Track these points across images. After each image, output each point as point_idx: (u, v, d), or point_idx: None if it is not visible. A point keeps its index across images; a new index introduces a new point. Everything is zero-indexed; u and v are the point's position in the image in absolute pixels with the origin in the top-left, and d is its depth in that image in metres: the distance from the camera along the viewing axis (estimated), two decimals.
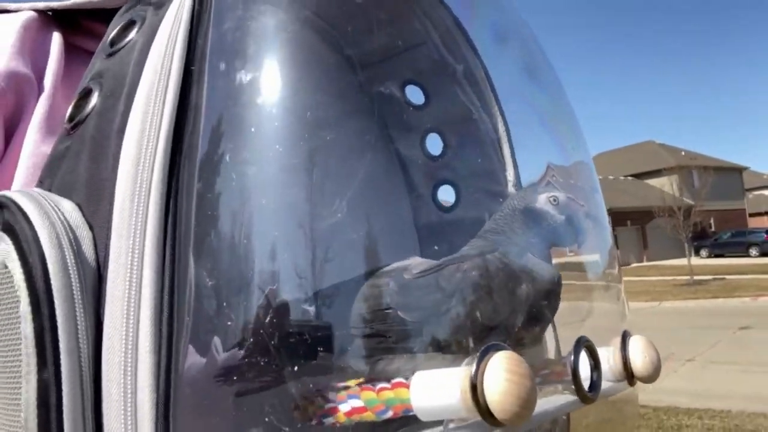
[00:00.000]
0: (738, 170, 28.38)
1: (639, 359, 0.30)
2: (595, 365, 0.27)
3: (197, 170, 0.24)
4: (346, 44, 0.34)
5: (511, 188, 0.46)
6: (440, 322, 0.27)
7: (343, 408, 0.26)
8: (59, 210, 0.24)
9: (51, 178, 0.28)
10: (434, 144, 0.47)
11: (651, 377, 0.31)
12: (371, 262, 0.29)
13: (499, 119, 0.48)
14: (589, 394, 0.26)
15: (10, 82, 0.36)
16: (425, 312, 0.27)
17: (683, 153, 26.58)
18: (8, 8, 0.43)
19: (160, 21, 0.28)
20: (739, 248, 19.47)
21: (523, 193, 0.41)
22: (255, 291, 0.23)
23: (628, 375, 0.30)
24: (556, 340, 0.34)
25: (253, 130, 0.25)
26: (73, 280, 0.22)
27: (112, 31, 0.32)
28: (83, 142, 0.27)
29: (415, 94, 0.45)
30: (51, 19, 0.43)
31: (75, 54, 0.43)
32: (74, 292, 0.21)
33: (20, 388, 0.22)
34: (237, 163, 0.25)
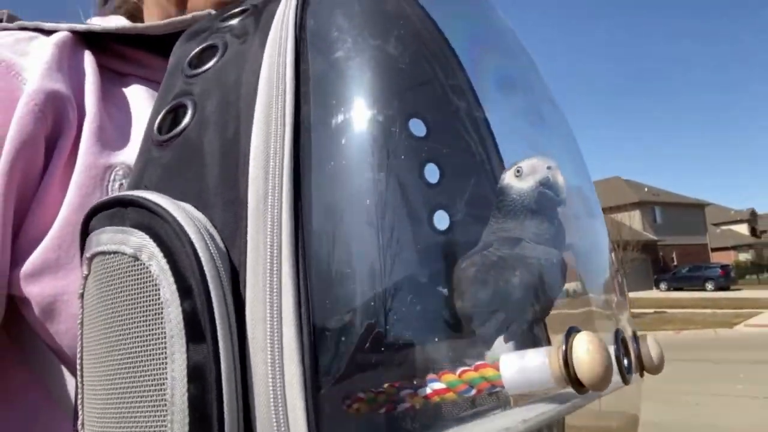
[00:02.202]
0: (700, 206, 29.60)
1: (649, 354, 0.36)
2: (627, 354, 0.32)
3: (312, 177, 0.27)
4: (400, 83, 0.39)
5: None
6: (483, 317, 0.31)
7: (422, 392, 0.29)
8: (186, 208, 0.26)
9: (150, 184, 0.30)
10: (432, 172, 0.52)
11: (658, 369, 0.36)
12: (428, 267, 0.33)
13: (494, 152, 0.53)
14: (627, 376, 0.31)
15: (49, 102, 0.37)
16: (469, 311, 0.32)
17: (646, 189, 27.72)
18: (44, 27, 0.44)
19: (254, 48, 0.31)
20: (696, 282, 20.15)
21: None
22: (366, 287, 0.26)
23: (640, 367, 0.36)
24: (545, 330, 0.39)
25: (347, 143, 0.29)
26: (219, 267, 0.24)
27: (185, 55, 0.35)
28: (187, 151, 0.30)
29: (417, 127, 0.50)
30: (81, 39, 0.45)
31: (105, 74, 0.44)
32: (222, 279, 0.24)
33: (163, 368, 0.23)
34: (341, 172, 0.28)
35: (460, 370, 0.29)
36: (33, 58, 0.40)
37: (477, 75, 0.52)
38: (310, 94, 0.29)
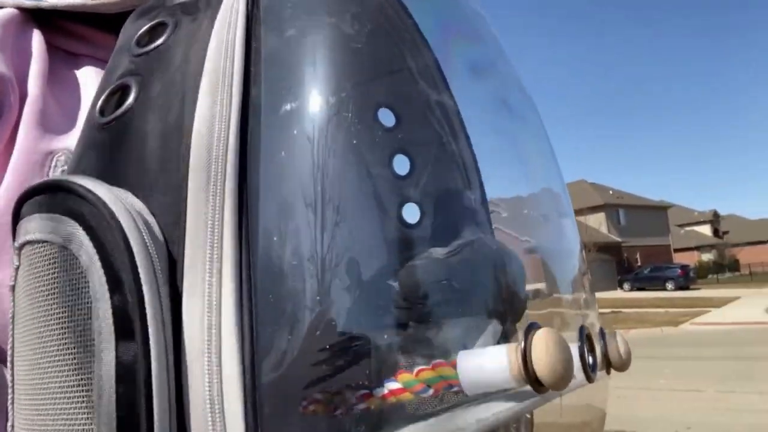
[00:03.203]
0: (663, 208, 30.61)
1: (616, 351, 0.35)
2: (591, 350, 0.31)
3: (260, 164, 0.25)
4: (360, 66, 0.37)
5: (476, 206, 0.50)
6: (442, 313, 0.30)
7: (378, 392, 0.28)
8: (119, 194, 0.24)
9: (88, 169, 0.28)
10: (402, 164, 0.50)
11: (624, 366, 0.35)
12: (384, 260, 0.32)
13: (466, 145, 0.52)
14: (591, 375, 0.30)
15: None
16: (427, 306, 0.30)
17: (611, 192, 28.39)
18: None
19: (204, 25, 0.29)
20: (658, 282, 20.88)
21: None
22: (315, 282, 0.25)
23: (606, 364, 0.35)
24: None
25: (299, 130, 0.27)
26: (153, 259, 0.22)
27: (133, 33, 0.33)
28: (128, 134, 0.28)
29: (386, 117, 0.49)
30: (30, 17, 0.42)
31: (55, 54, 0.42)
32: (156, 271, 0.22)
33: (89, 367, 0.22)
34: (292, 158, 0.27)
35: (417, 369, 0.27)
36: None
37: (447, 62, 0.50)
38: (261, 74, 0.27)
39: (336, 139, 0.27)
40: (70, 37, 0.43)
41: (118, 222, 0.22)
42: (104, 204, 0.23)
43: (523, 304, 0.35)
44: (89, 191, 0.23)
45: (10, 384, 0.27)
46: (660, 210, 30.44)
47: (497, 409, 0.24)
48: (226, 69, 0.26)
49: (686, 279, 20.90)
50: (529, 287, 0.37)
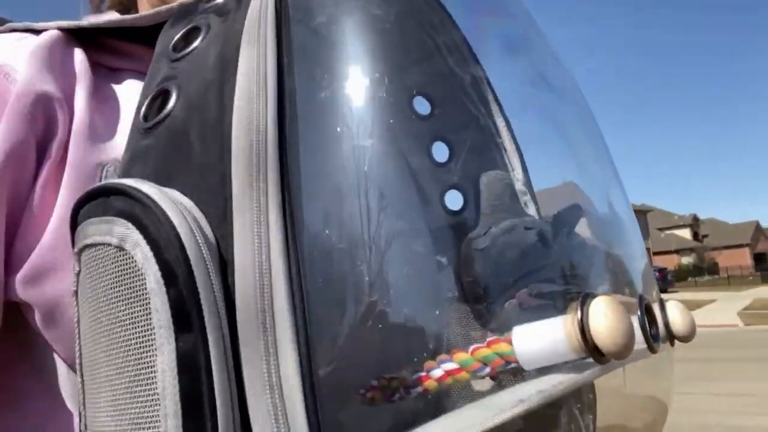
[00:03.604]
0: (643, 212, 30.62)
1: (678, 321, 0.34)
2: (652, 321, 0.30)
3: (300, 152, 0.26)
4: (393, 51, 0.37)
5: (520, 187, 0.49)
6: (493, 290, 0.29)
7: (434, 374, 0.28)
8: (169, 194, 0.25)
9: (138, 173, 0.29)
10: (440, 151, 0.50)
11: (689, 337, 0.34)
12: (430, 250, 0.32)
13: (505, 128, 0.51)
14: (654, 345, 0.29)
15: (39, 104, 0.37)
16: (478, 284, 0.30)
17: None
18: (34, 27, 0.43)
19: (236, 24, 0.30)
20: None
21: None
22: (364, 268, 0.25)
23: (670, 336, 0.34)
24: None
25: (342, 115, 0.27)
26: (204, 253, 0.23)
27: (169, 40, 0.34)
28: (171, 136, 0.28)
29: (421, 105, 0.48)
30: (72, 37, 0.44)
31: (98, 70, 0.44)
32: (207, 263, 0.23)
33: (152, 360, 0.22)
34: (332, 145, 0.27)
35: (472, 347, 0.27)
36: (22, 59, 0.39)
37: (480, 40, 0.50)
38: (294, 66, 0.27)
39: (374, 126, 0.27)
40: (111, 53, 0.45)
41: (169, 219, 0.23)
42: (154, 203, 0.24)
43: (584, 272, 0.34)
44: (139, 191, 0.24)
45: (80, 387, 0.28)
46: (640, 213, 30.52)
47: (558, 380, 0.24)
48: (259, 64, 0.27)
49: (664, 282, 20.94)
50: (588, 258, 0.36)
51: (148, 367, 0.22)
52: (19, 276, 0.34)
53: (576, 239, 0.33)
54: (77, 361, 0.28)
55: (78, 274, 0.27)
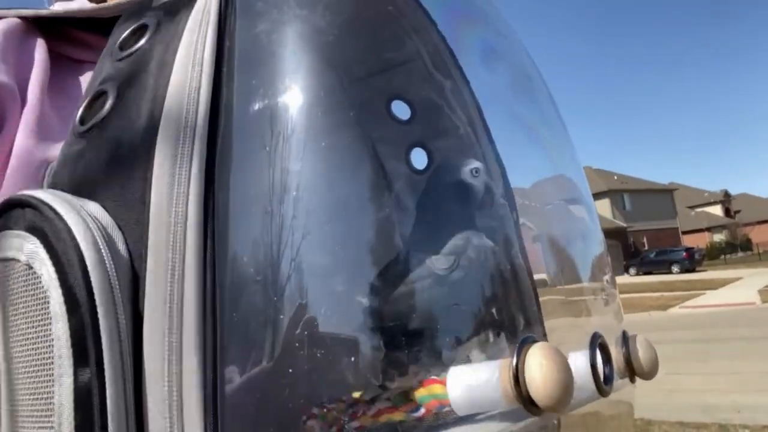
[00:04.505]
0: (669, 191, 30.24)
1: (640, 357, 0.32)
2: (608, 360, 0.28)
3: (231, 167, 0.24)
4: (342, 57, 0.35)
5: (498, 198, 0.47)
6: (435, 323, 0.27)
7: (370, 411, 0.26)
8: (86, 208, 0.23)
9: (66, 179, 0.27)
10: (419, 158, 0.48)
11: (651, 374, 0.32)
12: (382, 268, 0.30)
13: (484, 134, 0.49)
14: (605, 387, 0.27)
15: None
16: (419, 316, 0.28)
17: (615, 177, 28.11)
18: None
19: (180, 25, 0.28)
20: (663, 266, 20.67)
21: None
22: (290, 290, 0.23)
23: (630, 372, 0.32)
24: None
25: (279, 129, 0.26)
26: (111, 276, 0.21)
27: (119, 36, 0.32)
28: (102, 142, 0.27)
29: (400, 110, 0.46)
30: (34, 26, 0.42)
31: (60, 62, 0.42)
32: (113, 287, 0.21)
33: (51, 391, 0.21)
34: (267, 161, 0.25)
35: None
36: None
37: (459, 45, 0.48)
38: (234, 75, 0.25)
39: (311, 138, 0.26)
40: (73, 43, 0.43)
41: (75, 240, 0.21)
42: (63, 221, 0.22)
43: (530, 312, 0.33)
44: (49, 207, 0.22)
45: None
46: (666, 193, 30.08)
47: (491, 429, 0.22)
48: (194, 71, 0.25)
49: (691, 261, 20.48)
50: (543, 290, 0.35)
51: (48, 397, 0.21)
52: None
53: (532, 259, 0.32)
54: None
55: None
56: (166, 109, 0.24)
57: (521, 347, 0.22)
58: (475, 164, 0.33)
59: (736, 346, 5.78)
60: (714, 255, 26.81)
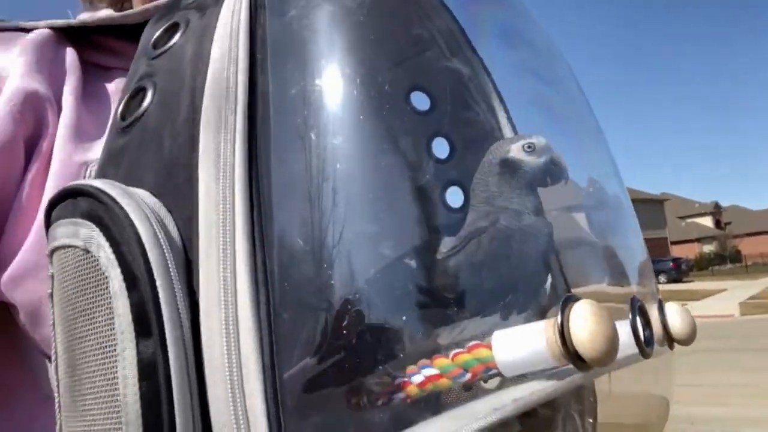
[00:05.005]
0: (659, 201, 30.42)
1: (677, 323, 0.32)
2: (647, 324, 0.28)
3: (272, 150, 0.25)
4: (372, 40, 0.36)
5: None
6: (476, 293, 0.28)
7: (415, 379, 0.26)
8: (137, 194, 0.24)
9: (112, 173, 0.28)
10: (441, 148, 0.49)
11: (689, 340, 0.32)
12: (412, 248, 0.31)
13: (506, 120, 0.50)
14: (647, 349, 0.27)
15: (28, 104, 0.36)
16: (459, 287, 0.29)
17: None
18: (24, 26, 0.43)
19: (212, 19, 0.29)
20: None
21: (497, 146, 0.41)
22: (339, 264, 0.24)
23: (669, 338, 0.32)
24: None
25: (314, 113, 0.26)
26: (167, 254, 0.22)
27: (151, 36, 0.33)
28: (145, 135, 0.28)
29: (420, 101, 0.47)
30: (64, 36, 0.44)
31: (90, 69, 0.43)
32: (170, 266, 0.22)
33: (114, 366, 0.22)
34: (304, 144, 0.26)
35: (453, 352, 0.26)
36: (12, 58, 0.39)
37: (477, 31, 0.48)
38: (268, 62, 0.26)
39: (348, 125, 0.26)
40: (102, 51, 0.45)
41: (131, 221, 0.22)
42: (118, 204, 0.23)
43: (575, 271, 0.33)
44: (104, 193, 0.23)
45: (56, 391, 0.27)
46: (657, 203, 30.17)
47: (536, 388, 0.23)
48: (231, 59, 0.26)
49: (678, 272, 20.77)
50: (578, 254, 0.35)
51: (111, 372, 0.22)
52: (5, 276, 0.34)
53: (568, 234, 0.32)
54: (53, 364, 0.27)
55: (52, 276, 0.27)
56: (206, 99, 0.25)
57: (564, 305, 0.22)
58: (529, 140, 0.33)
59: (707, 358, 5.77)
60: (703, 266, 27.27)
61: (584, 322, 0.22)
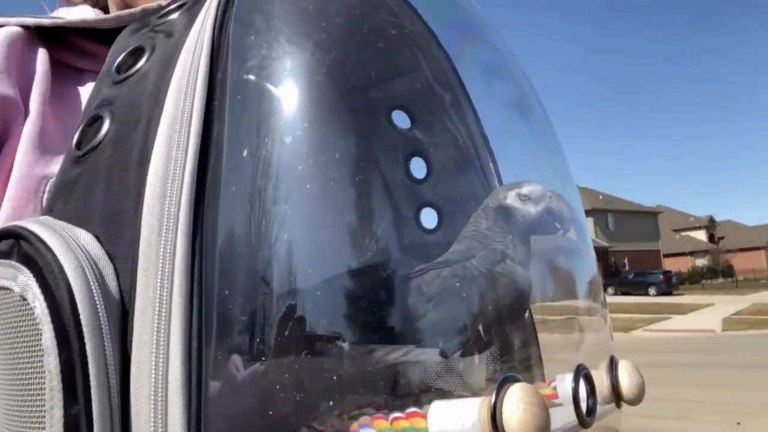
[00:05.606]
0: (653, 214, 30.66)
1: (626, 383, 0.32)
2: (592, 391, 0.29)
3: (220, 204, 0.24)
4: (340, 71, 0.35)
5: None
6: (418, 323, 0.28)
7: None
8: (78, 241, 0.24)
9: (62, 205, 0.27)
10: (418, 167, 0.48)
11: (637, 400, 0.33)
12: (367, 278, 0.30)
13: (483, 147, 0.49)
14: (587, 419, 0.27)
15: None
16: (405, 313, 0.29)
17: (601, 197, 28.56)
18: None
19: (175, 51, 0.28)
20: (641, 287, 21.15)
21: (495, 192, 0.42)
22: (279, 328, 0.24)
23: (616, 398, 0.32)
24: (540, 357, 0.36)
25: (273, 164, 0.26)
26: (100, 312, 0.22)
27: (117, 56, 0.32)
28: (97, 171, 0.27)
29: (401, 119, 0.47)
30: (36, 35, 0.42)
31: (62, 70, 0.42)
32: (102, 324, 0.22)
33: (42, 423, 0.21)
34: (257, 196, 0.25)
35: (392, 416, 0.26)
36: None
37: (461, 62, 0.48)
38: (226, 109, 0.26)
39: (303, 195, 0.26)
40: (74, 52, 0.44)
41: (65, 274, 0.22)
42: (54, 256, 0.22)
43: (524, 331, 0.33)
44: (40, 240, 0.23)
45: None
46: (651, 215, 30.42)
47: None
48: (186, 103, 0.25)
49: (668, 284, 20.97)
50: (537, 307, 0.35)
51: (40, 428, 0.22)
52: None
53: (521, 289, 0.32)
54: None
55: None
56: (157, 142, 0.25)
57: (501, 386, 0.22)
58: (525, 188, 0.32)
59: (684, 372, 5.87)
60: (695, 279, 27.64)
61: (516, 410, 0.22)
